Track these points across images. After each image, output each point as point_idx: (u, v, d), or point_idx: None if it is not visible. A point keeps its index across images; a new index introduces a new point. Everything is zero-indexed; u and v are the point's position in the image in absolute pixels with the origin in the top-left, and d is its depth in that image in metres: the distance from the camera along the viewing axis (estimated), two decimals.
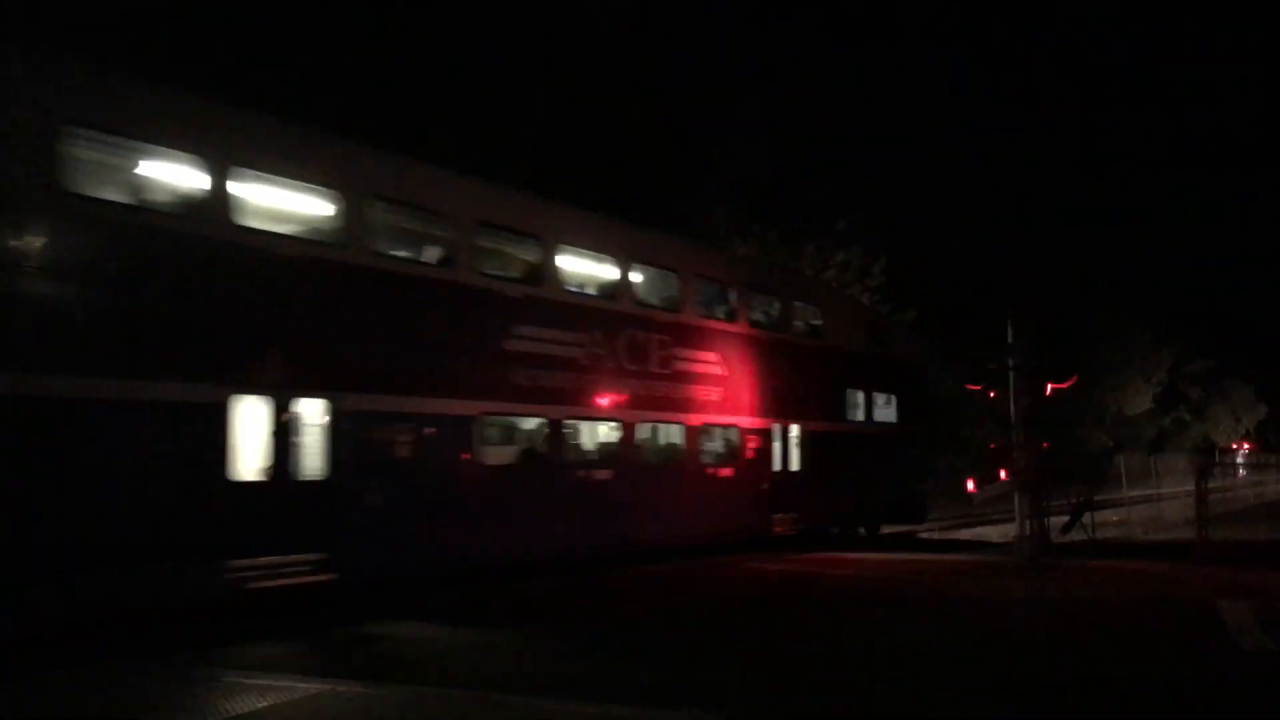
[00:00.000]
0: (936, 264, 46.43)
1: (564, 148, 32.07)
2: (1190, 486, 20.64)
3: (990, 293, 36.62)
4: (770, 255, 33.00)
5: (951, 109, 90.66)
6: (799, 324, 21.39)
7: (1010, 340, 19.55)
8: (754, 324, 19.83)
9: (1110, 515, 31.91)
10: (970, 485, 21.34)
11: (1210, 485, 19.90)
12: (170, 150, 11.04)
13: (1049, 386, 19.41)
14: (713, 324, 18.80)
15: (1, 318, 9.48)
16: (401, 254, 13.79)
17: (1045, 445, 22.51)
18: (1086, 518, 20.53)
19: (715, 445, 18.74)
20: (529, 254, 15.62)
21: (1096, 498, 32.98)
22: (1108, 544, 21.39)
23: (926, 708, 7.90)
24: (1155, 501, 31.88)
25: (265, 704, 7.48)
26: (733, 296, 19.42)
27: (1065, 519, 20.64)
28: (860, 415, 22.73)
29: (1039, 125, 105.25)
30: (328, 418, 12.11)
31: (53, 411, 9.69)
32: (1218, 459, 59.84)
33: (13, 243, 9.60)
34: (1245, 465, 59.76)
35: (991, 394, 19.85)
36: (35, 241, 9.74)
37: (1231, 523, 23.62)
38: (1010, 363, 19.14)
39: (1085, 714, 7.92)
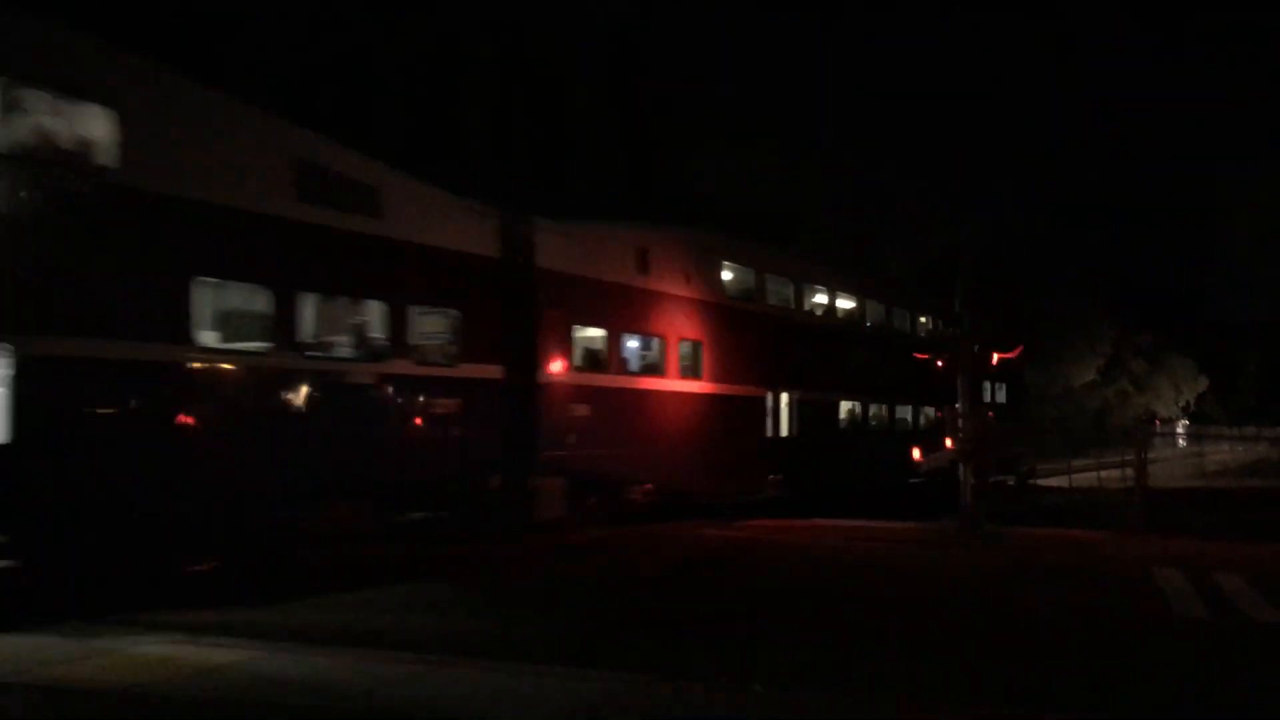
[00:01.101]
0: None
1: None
2: (1130, 457, 20.94)
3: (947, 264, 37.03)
4: None
5: (902, 85, 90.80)
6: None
7: (958, 309, 19.56)
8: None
9: (1053, 483, 32.50)
10: (916, 454, 21.45)
11: (1150, 455, 20.16)
12: None
13: (995, 356, 19.45)
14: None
15: None
16: None
17: (990, 415, 22.73)
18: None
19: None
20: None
21: (1040, 467, 33.66)
22: (1050, 512, 21.69)
23: (833, 668, 7.86)
24: (1096, 471, 32.52)
25: None
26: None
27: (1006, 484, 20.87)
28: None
29: (988, 97, 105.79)
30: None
31: None
32: (1158, 430, 61.12)
33: None
34: (1186, 436, 61.17)
35: (939, 363, 19.86)
36: None
37: (1171, 492, 23.97)
38: (957, 331, 19.15)
39: (1019, 677, 7.93)
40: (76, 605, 9.30)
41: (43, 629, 8.70)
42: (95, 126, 10.69)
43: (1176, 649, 9.11)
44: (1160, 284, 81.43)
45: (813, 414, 22.83)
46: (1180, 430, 68.67)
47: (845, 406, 24.85)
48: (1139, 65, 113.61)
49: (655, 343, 18.78)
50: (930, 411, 26.83)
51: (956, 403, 18.97)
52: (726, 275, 20.84)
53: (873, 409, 26.07)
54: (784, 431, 21.93)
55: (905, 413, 27.37)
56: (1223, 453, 51.35)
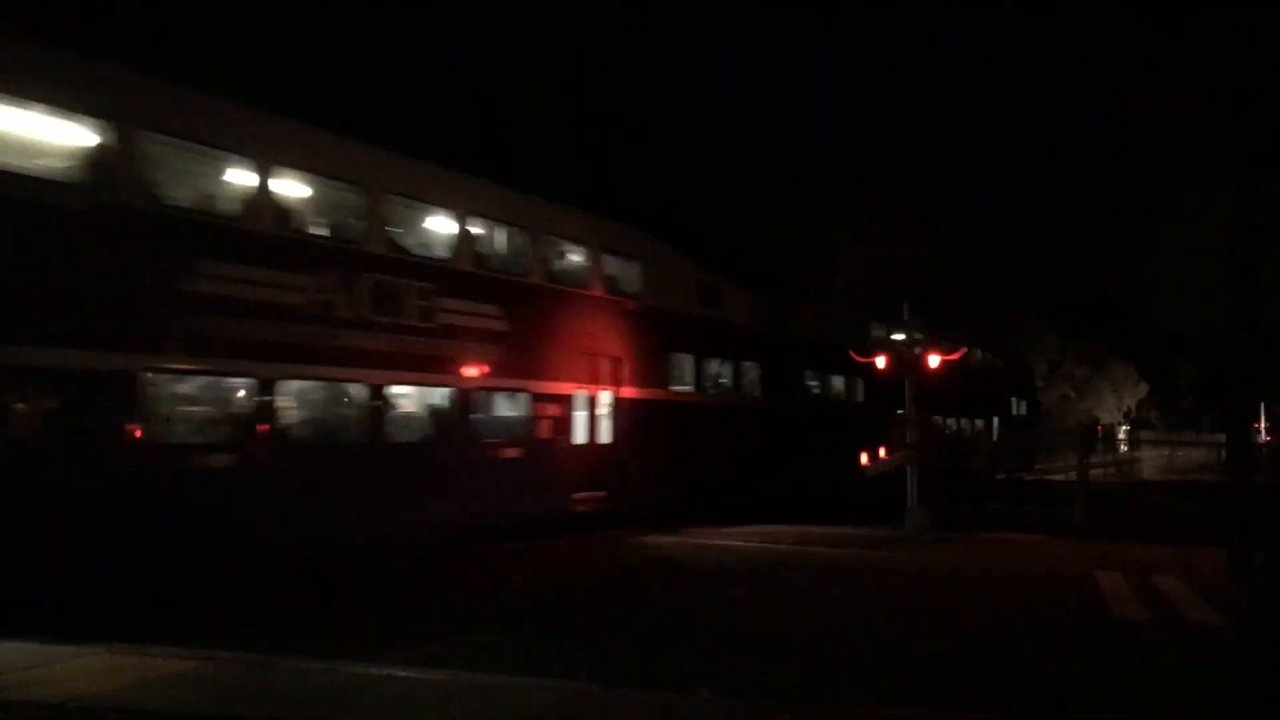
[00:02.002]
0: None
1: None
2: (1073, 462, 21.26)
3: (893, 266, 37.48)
4: None
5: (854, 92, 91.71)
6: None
7: (905, 315, 19.78)
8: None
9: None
10: (863, 459, 21.57)
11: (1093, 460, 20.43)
12: None
13: (939, 359, 19.66)
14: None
15: None
16: None
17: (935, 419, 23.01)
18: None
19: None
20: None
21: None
22: (996, 517, 21.91)
23: (781, 681, 7.87)
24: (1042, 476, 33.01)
25: None
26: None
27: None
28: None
29: (933, 100, 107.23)
30: None
31: None
32: (1100, 436, 62.25)
33: None
34: (1126, 441, 62.42)
35: (881, 366, 20.03)
36: None
37: (1113, 497, 24.38)
38: (902, 336, 19.36)
39: (962, 678, 7.99)
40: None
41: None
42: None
43: (1117, 651, 9.24)
44: (1102, 291, 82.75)
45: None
46: (1122, 436, 70.15)
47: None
48: (1096, 67, 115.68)
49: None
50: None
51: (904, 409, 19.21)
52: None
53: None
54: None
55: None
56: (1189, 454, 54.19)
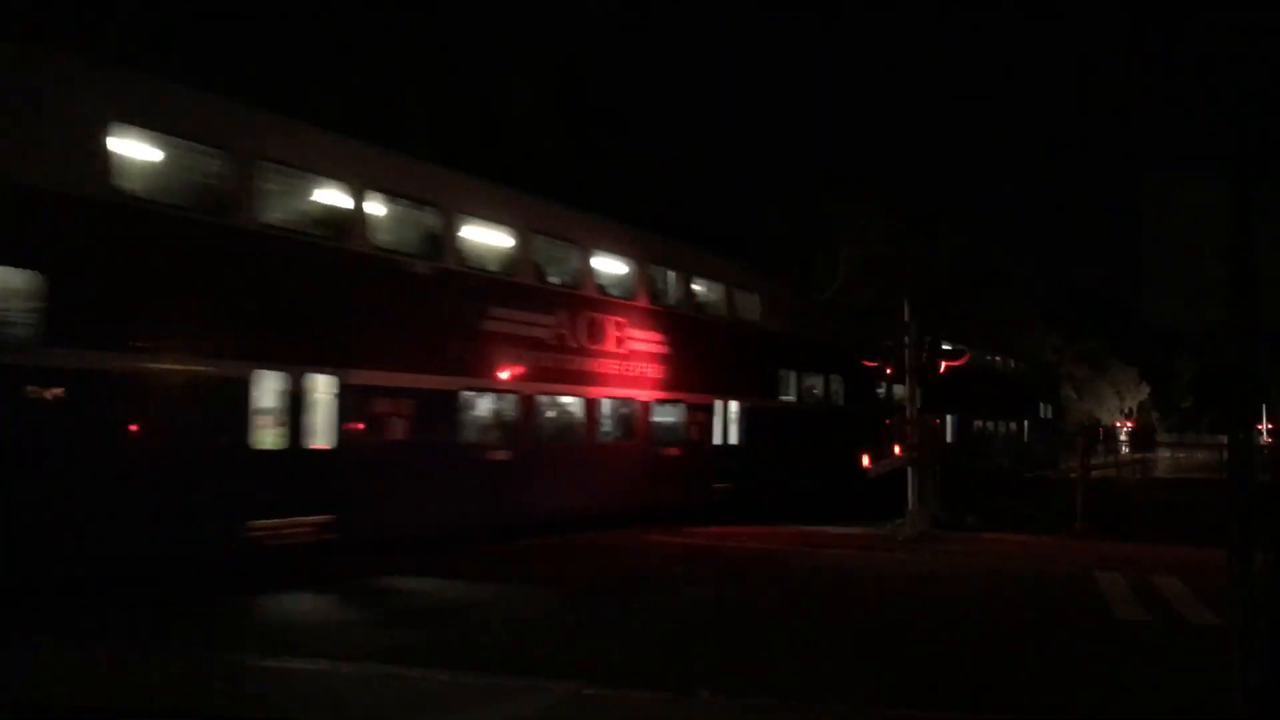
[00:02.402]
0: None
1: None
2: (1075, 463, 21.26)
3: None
4: None
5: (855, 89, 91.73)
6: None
7: (906, 318, 19.76)
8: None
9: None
10: (865, 460, 21.59)
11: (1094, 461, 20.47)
12: None
13: (943, 364, 19.67)
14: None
15: None
16: None
17: (935, 422, 22.98)
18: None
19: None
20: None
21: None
22: (995, 518, 21.92)
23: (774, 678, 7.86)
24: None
25: None
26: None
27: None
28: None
29: (931, 100, 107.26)
30: None
31: None
32: (1101, 436, 62.32)
33: None
34: (1128, 442, 62.47)
35: (888, 370, 20.05)
36: None
37: (1113, 498, 24.37)
38: (905, 340, 19.34)
39: (961, 680, 7.98)
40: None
41: None
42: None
43: (1116, 652, 9.23)
44: (1101, 291, 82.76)
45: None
46: (1123, 438, 70.21)
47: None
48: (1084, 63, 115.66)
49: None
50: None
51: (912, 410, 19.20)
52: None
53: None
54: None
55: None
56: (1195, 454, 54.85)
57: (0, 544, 9.69)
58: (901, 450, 19.23)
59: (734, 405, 22.20)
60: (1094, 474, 31.42)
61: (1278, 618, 5.47)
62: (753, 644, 9.23)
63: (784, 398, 24.53)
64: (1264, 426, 55.82)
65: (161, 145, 11.93)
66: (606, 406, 18.62)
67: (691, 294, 21.63)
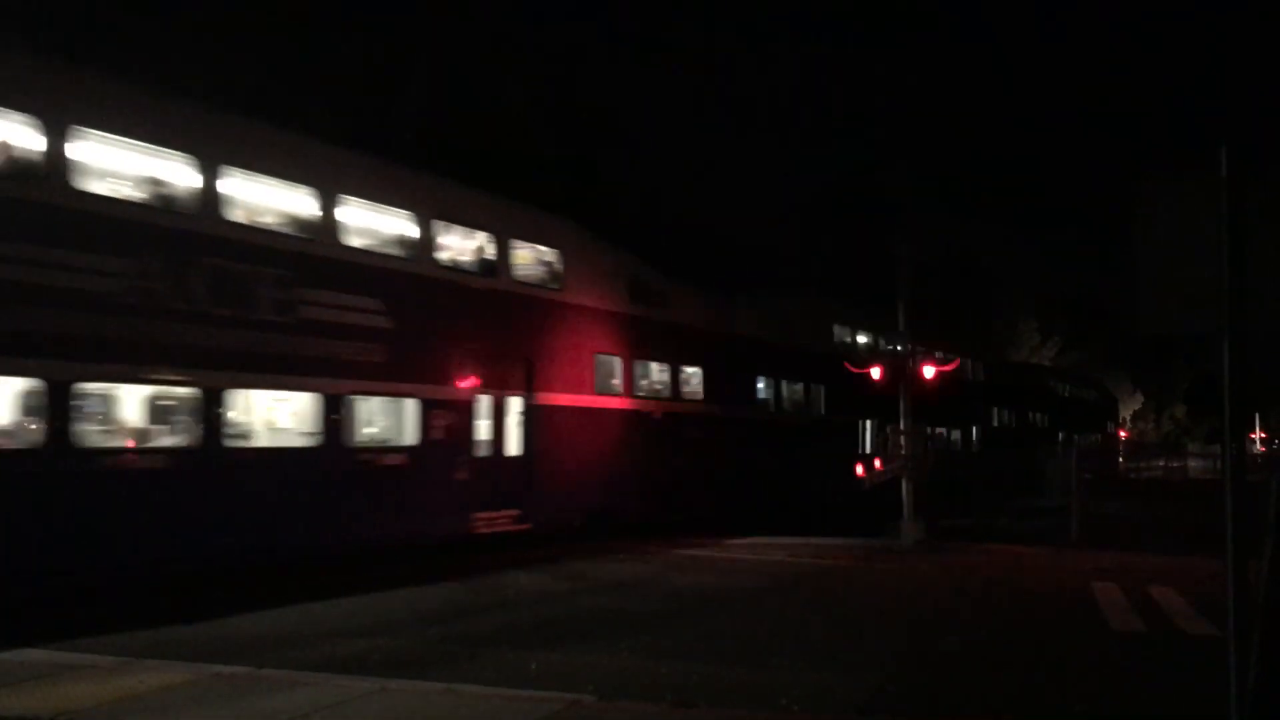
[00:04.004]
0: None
1: None
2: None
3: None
4: None
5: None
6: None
7: (901, 326, 19.75)
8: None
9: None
10: (859, 470, 21.62)
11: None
12: None
13: (934, 370, 19.65)
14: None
15: None
16: None
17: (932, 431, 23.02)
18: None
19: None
20: None
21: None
22: (991, 529, 21.89)
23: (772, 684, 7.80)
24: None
25: None
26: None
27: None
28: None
29: (927, 110, 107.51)
30: None
31: None
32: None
33: None
34: (1124, 453, 62.56)
35: (877, 378, 20.02)
36: None
37: (1108, 507, 24.31)
38: (896, 347, 19.34)
39: (960, 690, 7.92)
40: None
41: None
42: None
43: (1113, 662, 9.17)
44: (1095, 299, 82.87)
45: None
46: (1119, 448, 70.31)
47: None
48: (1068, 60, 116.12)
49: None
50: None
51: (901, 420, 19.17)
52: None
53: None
54: None
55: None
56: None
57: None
58: (889, 462, 19.25)
59: (515, 403, 16.71)
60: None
61: (1273, 626, 5.42)
62: (749, 654, 9.16)
63: (637, 395, 19.88)
64: (1257, 435, 55.90)
65: None
66: (239, 400, 12.79)
67: (430, 242, 15.53)
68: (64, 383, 10.72)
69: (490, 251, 16.66)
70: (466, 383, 15.67)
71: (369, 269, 14.45)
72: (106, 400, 11.67)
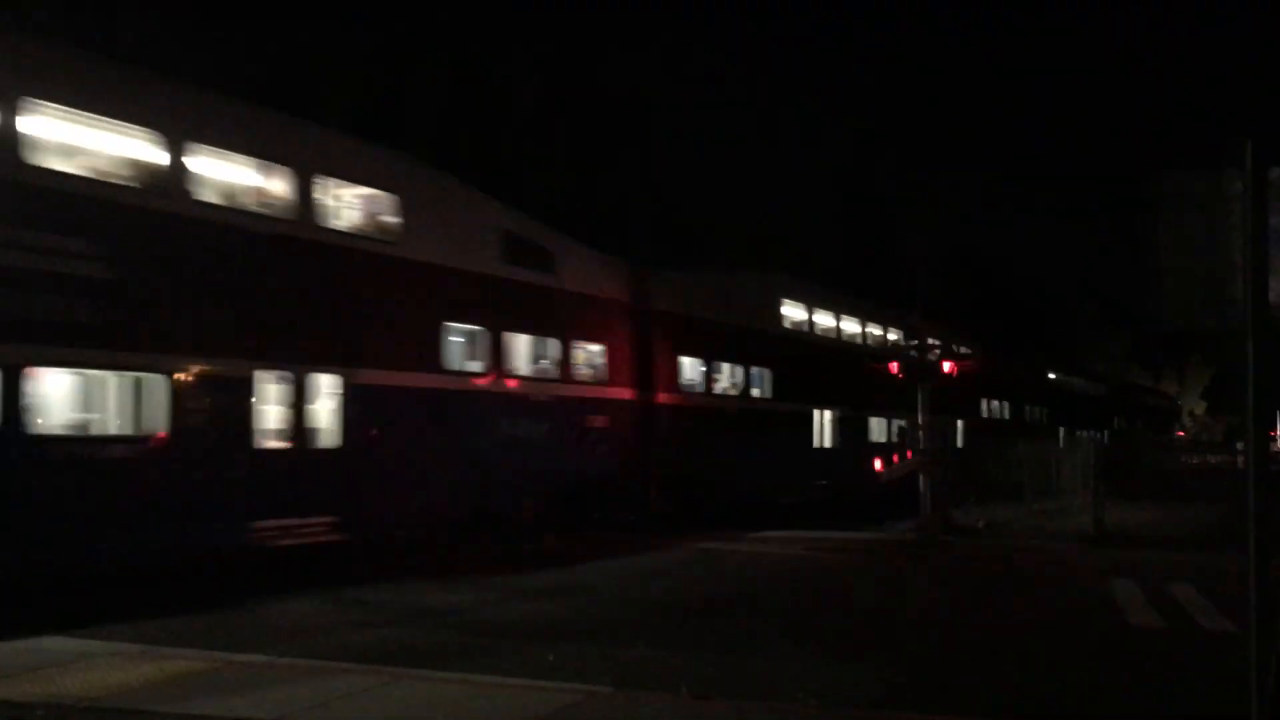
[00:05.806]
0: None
1: None
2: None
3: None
4: None
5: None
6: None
7: (917, 320, 19.71)
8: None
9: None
10: (878, 465, 21.55)
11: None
12: None
13: (952, 367, 19.54)
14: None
15: None
16: None
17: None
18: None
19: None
20: None
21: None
22: (1009, 525, 21.78)
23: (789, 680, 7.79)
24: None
25: None
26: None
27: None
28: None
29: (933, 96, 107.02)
30: None
31: None
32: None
33: None
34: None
35: (900, 375, 19.95)
36: None
37: (1128, 504, 24.17)
38: (914, 343, 19.28)
39: (977, 684, 7.90)
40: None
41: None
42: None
43: (1131, 659, 9.13)
44: (1118, 295, 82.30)
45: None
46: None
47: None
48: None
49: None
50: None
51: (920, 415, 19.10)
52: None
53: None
54: None
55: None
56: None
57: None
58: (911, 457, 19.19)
59: (326, 382, 13.31)
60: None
61: None
62: (753, 648, 9.16)
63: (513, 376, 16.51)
64: (1279, 433, 55.59)
65: None
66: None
67: (182, 172, 11.82)
68: None
69: (285, 190, 13.03)
70: (243, 355, 12.29)
71: (79, 199, 10.74)
72: None
